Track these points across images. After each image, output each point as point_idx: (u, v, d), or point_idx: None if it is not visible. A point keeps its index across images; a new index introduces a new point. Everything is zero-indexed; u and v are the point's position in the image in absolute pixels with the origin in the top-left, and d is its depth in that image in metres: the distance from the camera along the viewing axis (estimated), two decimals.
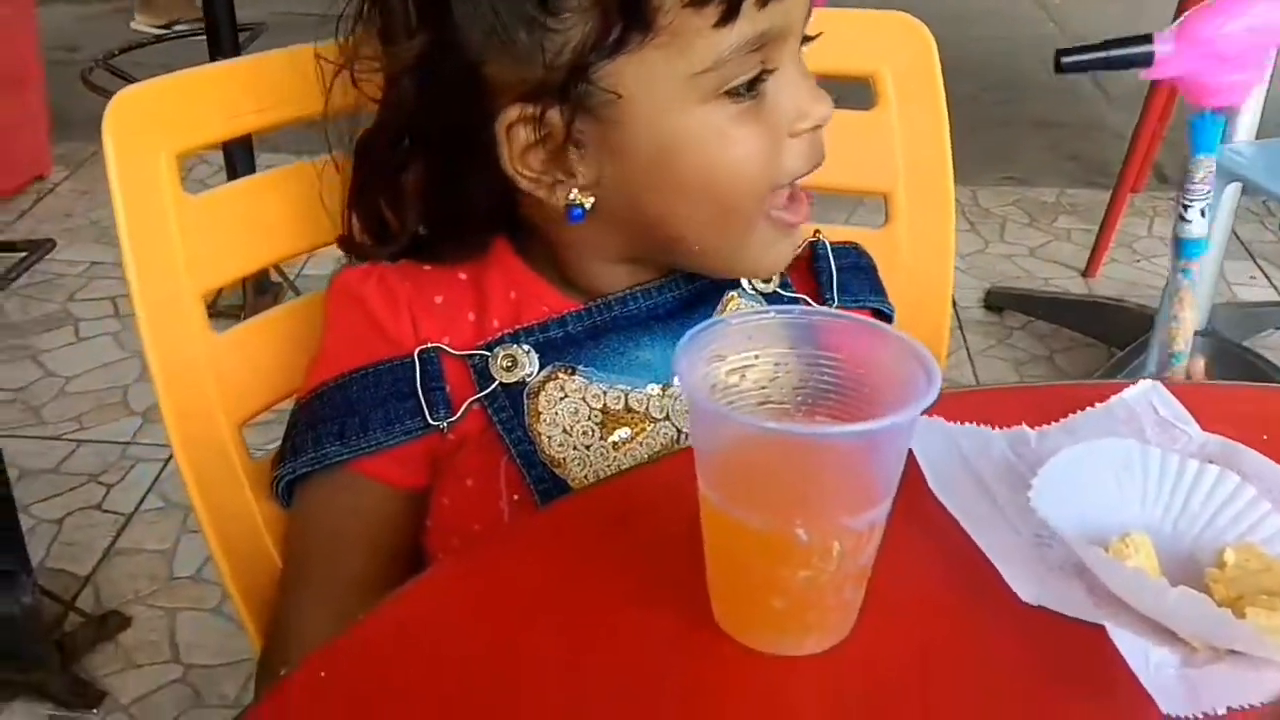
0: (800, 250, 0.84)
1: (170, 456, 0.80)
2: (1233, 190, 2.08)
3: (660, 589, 0.58)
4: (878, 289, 0.88)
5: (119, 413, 2.13)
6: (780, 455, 0.51)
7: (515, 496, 0.75)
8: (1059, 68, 0.70)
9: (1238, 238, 2.72)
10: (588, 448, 0.74)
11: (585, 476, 0.74)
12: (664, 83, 0.67)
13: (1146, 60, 0.67)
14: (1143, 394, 0.69)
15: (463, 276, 0.78)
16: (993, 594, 0.57)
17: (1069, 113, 3.50)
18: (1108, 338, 2.35)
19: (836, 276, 0.83)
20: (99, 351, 2.30)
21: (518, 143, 0.70)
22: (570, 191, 0.72)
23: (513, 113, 0.69)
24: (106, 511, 1.92)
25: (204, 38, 2.35)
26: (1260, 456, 0.64)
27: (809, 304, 0.83)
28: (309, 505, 0.77)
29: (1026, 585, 0.56)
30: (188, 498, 0.79)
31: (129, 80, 2.48)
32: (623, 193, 0.72)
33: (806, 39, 0.74)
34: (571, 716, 0.52)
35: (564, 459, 0.74)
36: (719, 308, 0.80)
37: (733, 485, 0.52)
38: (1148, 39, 0.68)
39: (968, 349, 2.38)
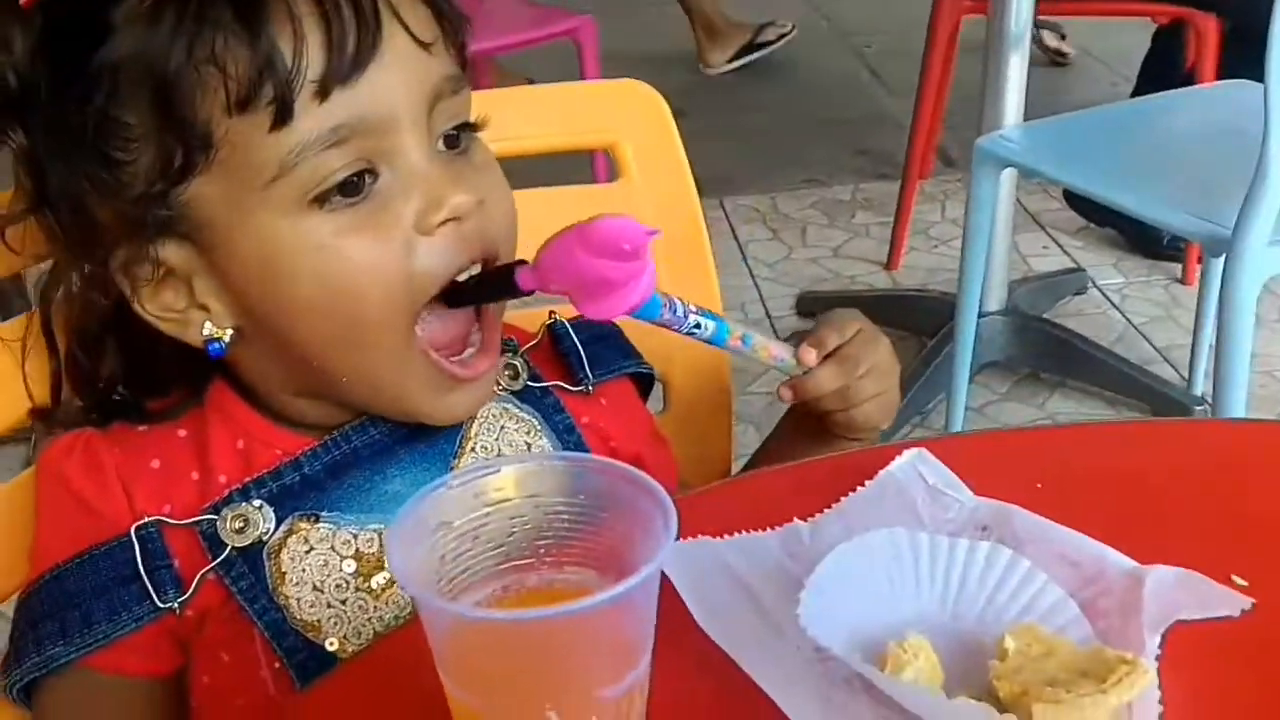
0: (539, 338, 0.80)
1: None
2: (1010, 172, 2.13)
3: None
4: (629, 353, 0.84)
5: None
6: (519, 639, 0.47)
7: (275, 665, 0.69)
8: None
9: (1026, 210, 2.80)
10: (343, 602, 0.69)
11: (345, 635, 0.69)
12: (244, 198, 0.64)
13: (513, 290, 0.66)
14: (909, 464, 0.66)
15: (182, 433, 0.72)
16: None
17: (852, 107, 3.56)
18: (916, 329, 2.38)
19: (584, 353, 0.80)
20: None
21: (141, 283, 0.67)
22: (203, 325, 0.68)
23: (122, 252, 0.66)
24: None
25: None
26: (1033, 517, 0.62)
27: (565, 389, 0.79)
28: (50, 710, 0.70)
29: (808, 713, 0.52)
30: None
31: None
32: (255, 320, 0.68)
33: (470, 126, 0.69)
34: None
35: (318, 621, 0.68)
36: (468, 421, 0.74)
37: (472, 678, 0.47)
38: (510, 270, 0.67)
39: None
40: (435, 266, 0.66)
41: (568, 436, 0.77)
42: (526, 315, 0.83)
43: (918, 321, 2.38)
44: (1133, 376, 2.19)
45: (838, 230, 2.87)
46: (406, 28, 0.64)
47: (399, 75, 0.64)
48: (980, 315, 2.15)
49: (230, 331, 0.68)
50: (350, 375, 0.68)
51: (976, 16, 2.42)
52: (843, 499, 0.65)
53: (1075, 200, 2.72)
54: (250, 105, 0.61)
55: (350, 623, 0.69)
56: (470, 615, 0.47)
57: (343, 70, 0.62)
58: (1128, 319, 2.44)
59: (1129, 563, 0.59)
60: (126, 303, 0.67)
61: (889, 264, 2.68)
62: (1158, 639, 0.54)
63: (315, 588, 0.68)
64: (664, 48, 3.76)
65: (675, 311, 0.69)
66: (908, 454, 0.66)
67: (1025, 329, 2.26)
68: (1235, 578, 0.59)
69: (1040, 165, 1.97)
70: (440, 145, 0.67)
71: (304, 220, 0.64)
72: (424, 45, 0.65)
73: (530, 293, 0.66)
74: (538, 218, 0.69)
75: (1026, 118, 2.17)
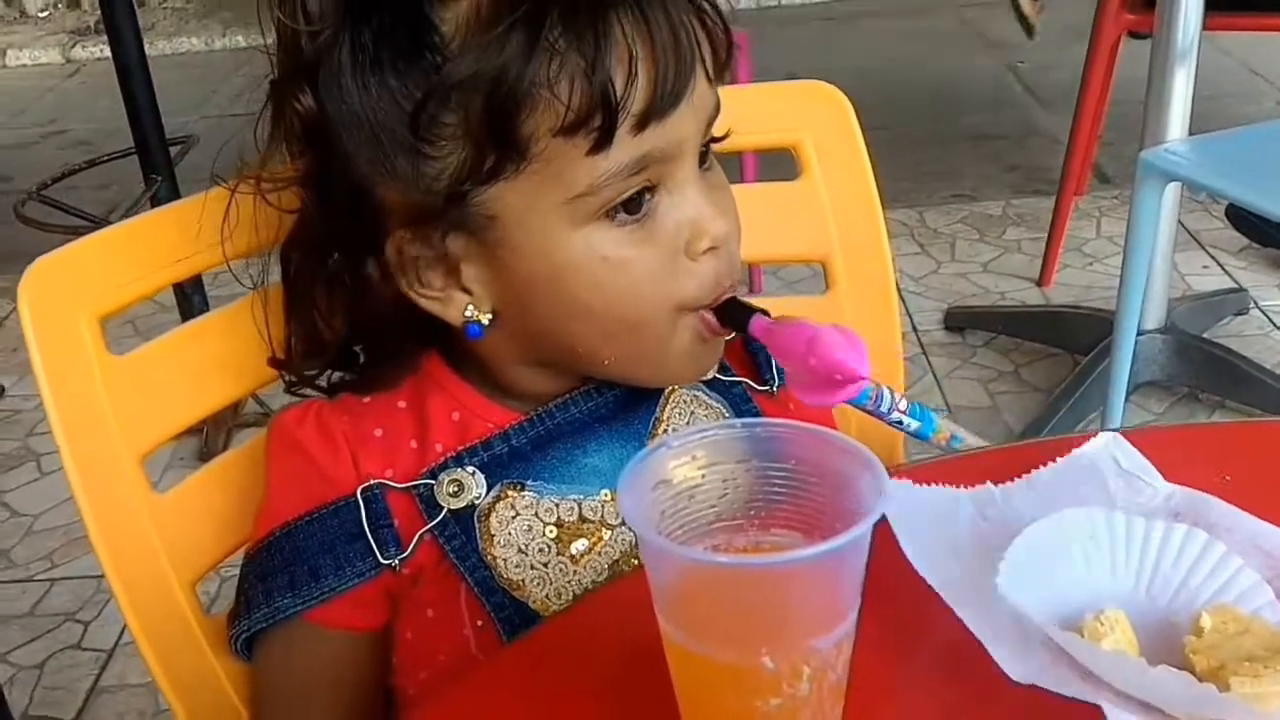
0: (734, 334, 0.83)
1: None
2: (1174, 187, 2.09)
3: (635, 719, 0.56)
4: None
5: (89, 546, 2.09)
6: (740, 586, 0.50)
7: (479, 623, 0.73)
8: None
9: (1186, 229, 2.74)
10: (545, 565, 0.73)
11: (546, 596, 0.73)
12: (541, 207, 0.67)
13: (743, 330, 0.72)
14: (1103, 447, 0.68)
15: (402, 405, 0.77)
16: (982, 675, 0.55)
17: (1004, 123, 3.53)
18: (1069, 346, 2.35)
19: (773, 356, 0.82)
20: (63, 486, 2.24)
21: (411, 262, 0.70)
22: (466, 308, 0.71)
23: (402, 234, 0.70)
24: (87, 649, 1.88)
25: (135, 156, 2.34)
26: (1226, 505, 0.63)
27: (752, 387, 0.82)
28: (269, 662, 0.75)
29: (1015, 663, 0.54)
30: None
31: (63, 209, 2.45)
32: (520, 310, 0.71)
33: (714, 139, 0.73)
34: None
35: (523, 581, 0.72)
36: (660, 402, 0.78)
37: (692, 620, 0.51)
38: (748, 315, 0.72)
39: (934, 373, 2.38)
40: (696, 291, 0.71)
41: None
42: None
43: (1072, 339, 2.35)
44: None
45: (988, 245, 2.85)
46: (704, 64, 0.68)
47: (694, 110, 0.68)
48: (1138, 333, 2.11)
49: (490, 315, 0.72)
50: (611, 358, 0.72)
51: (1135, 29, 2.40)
52: (1034, 471, 0.66)
53: (1238, 219, 2.65)
54: (577, 131, 0.65)
55: (552, 584, 0.73)
56: (697, 558, 0.51)
57: (660, 108, 0.66)
58: None
59: None
60: (368, 277, 0.71)
61: (1041, 280, 2.65)
62: None
63: (520, 550, 0.73)
64: (813, 62, 3.78)
65: (881, 405, 0.72)
66: (1102, 437, 0.68)
67: (1184, 348, 2.22)
68: None
69: (1207, 179, 1.93)
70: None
71: (593, 232, 0.68)
72: (710, 79, 0.69)
73: (753, 340, 0.72)
74: None
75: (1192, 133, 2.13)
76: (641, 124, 0.66)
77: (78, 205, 2.62)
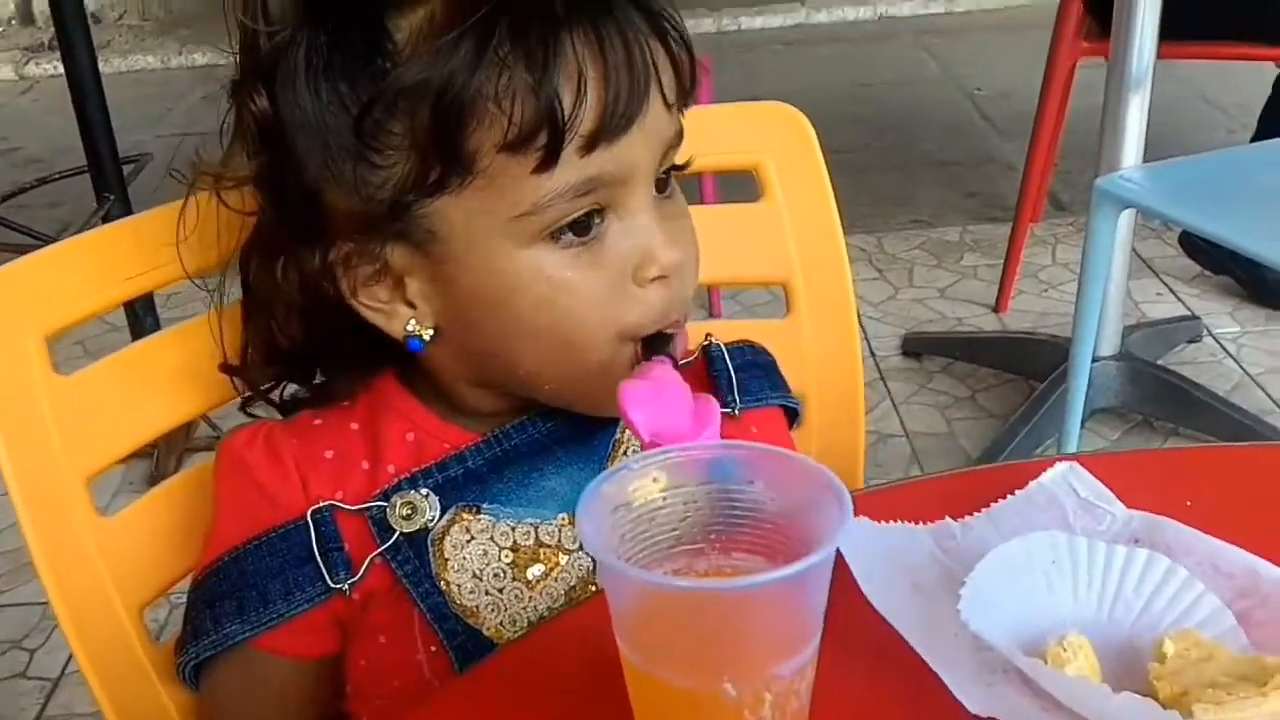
0: (694, 357, 0.82)
1: None
2: (1128, 214, 2.11)
3: None
4: (778, 385, 0.86)
5: (33, 572, 2.04)
6: (700, 611, 0.49)
7: (432, 649, 0.72)
8: None
9: (1140, 257, 2.78)
10: (500, 590, 0.72)
11: (500, 623, 0.71)
12: (486, 224, 0.66)
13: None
14: (1061, 476, 0.68)
15: (354, 426, 0.75)
16: (943, 707, 0.54)
17: (961, 149, 3.57)
18: (1025, 371, 2.36)
19: (735, 378, 0.81)
20: (6, 512, 2.21)
21: (355, 271, 0.70)
22: (408, 322, 0.71)
23: (346, 243, 0.69)
24: (31, 678, 1.83)
25: (87, 174, 2.31)
26: (1186, 529, 0.63)
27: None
28: (217, 690, 0.74)
29: (973, 695, 0.54)
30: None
31: (13, 229, 2.42)
32: (462, 327, 0.71)
33: (676, 167, 0.72)
34: None
35: (476, 607, 0.71)
36: (621, 424, 0.77)
37: (652, 646, 0.50)
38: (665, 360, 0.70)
39: (891, 399, 2.39)
40: (641, 319, 0.69)
41: None
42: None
43: (1027, 365, 2.37)
44: (1248, 426, 2.14)
45: (945, 271, 2.86)
46: (662, 91, 0.67)
47: (647, 135, 0.67)
48: (1093, 360, 2.13)
49: (432, 330, 0.71)
50: (552, 384, 0.71)
51: (1090, 59, 2.43)
52: (993, 504, 0.66)
53: (1191, 247, 2.68)
54: (523, 148, 0.64)
55: (506, 610, 0.71)
56: (656, 582, 0.50)
57: (610, 130, 0.65)
58: (1244, 369, 2.40)
59: None
60: (320, 284, 0.70)
61: (998, 307, 2.67)
62: None
63: (475, 575, 0.71)
64: (771, 89, 3.80)
65: None
66: (1060, 466, 0.68)
67: (1139, 375, 2.24)
68: None
69: (1161, 206, 1.94)
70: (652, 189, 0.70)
71: (538, 252, 0.67)
72: (669, 105, 0.68)
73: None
74: None
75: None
76: (589, 146, 0.65)
77: (28, 224, 2.58)
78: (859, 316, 2.66)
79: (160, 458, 2.15)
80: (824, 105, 3.69)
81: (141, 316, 2.14)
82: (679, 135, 0.71)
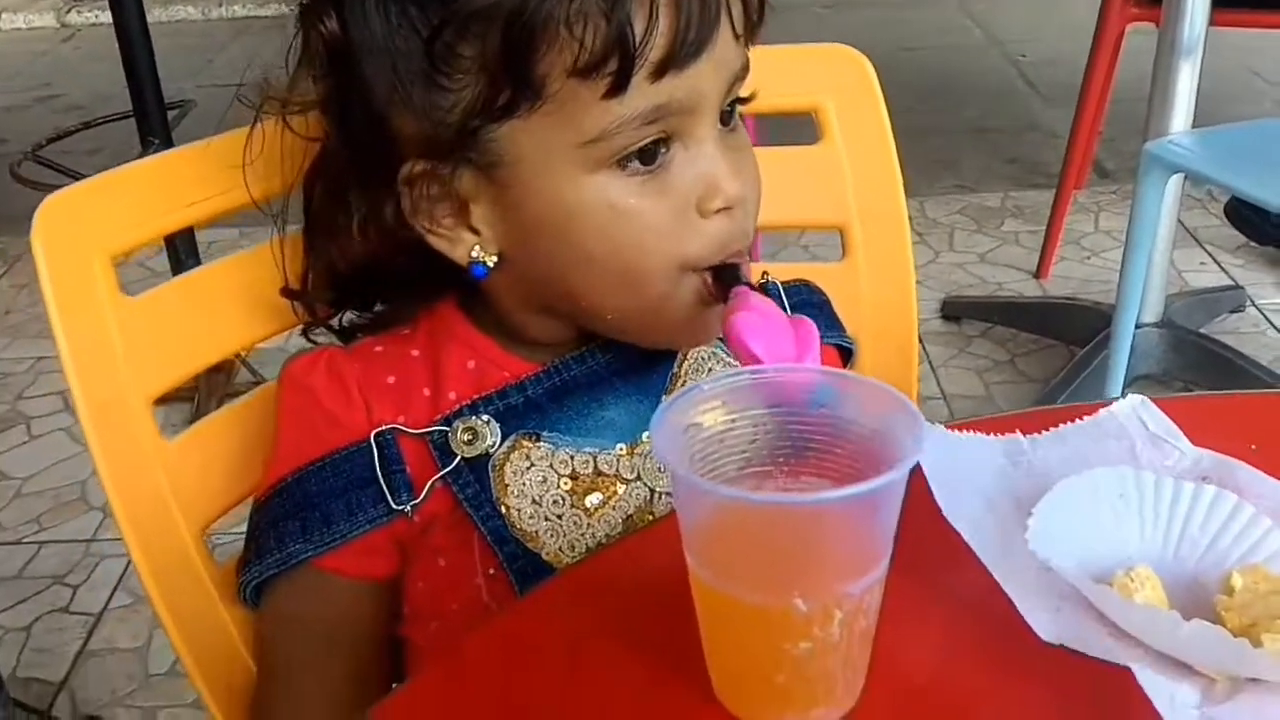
0: None
1: None
2: (1175, 181, 2.09)
3: (656, 670, 0.56)
4: (834, 324, 0.86)
5: (78, 510, 2.07)
6: (773, 526, 0.49)
7: (490, 572, 0.73)
8: None
9: (1184, 226, 2.75)
10: (559, 517, 0.72)
11: (559, 548, 0.72)
12: (554, 149, 0.66)
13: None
14: (1131, 408, 0.67)
15: (415, 353, 0.76)
16: (1010, 634, 0.54)
17: (1004, 116, 3.53)
18: (1066, 337, 2.35)
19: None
20: (52, 449, 2.24)
21: (421, 196, 0.70)
22: (473, 248, 0.71)
23: (412, 166, 0.69)
24: (75, 613, 1.86)
25: (133, 119, 2.32)
26: (1254, 470, 0.63)
27: None
28: (279, 609, 0.75)
29: (1045, 623, 0.54)
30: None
31: (59, 170, 2.44)
32: (526, 254, 0.71)
33: (740, 100, 0.72)
34: None
35: (536, 531, 0.72)
36: (679, 358, 0.78)
37: (724, 561, 0.50)
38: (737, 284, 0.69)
39: (930, 362, 2.38)
40: (703, 250, 0.69)
41: None
42: None
43: (1069, 330, 2.36)
44: None
45: (986, 237, 2.85)
46: (731, 21, 0.67)
47: (716, 65, 0.67)
48: (1136, 326, 2.11)
49: (496, 257, 0.71)
50: (615, 313, 0.71)
51: (1139, 24, 2.40)
52: (1063, 425, 0.66)
53: (1236, 216, 2.65)
54: (593, 73, 0.63)
55: (565, 536, 0.72)
56: (733, 495, 0.50)
57: (680, 58, 0.64)
58: None
59: None
60: (384, 209, 0.70)
61: (1039, 273, 2.65)
62: None
63: (534, 501, 0.72)
64: None
65: None
66: (1131, 398, 0.67)
67: (1181, 343, 2.22)
68: None
69: (1210, 171, 1.92)
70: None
71: (604, 179, 0.67)
72: (737, 35, 0.68)
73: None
74: None
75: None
76: (659, 72, 0.65)
77: (73, 168, 2.60)
78: None
79: (201, 401, 2.17)
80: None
81: (184, 259, 2.16)
82: (746, 67, 0.70)
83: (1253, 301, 2.50)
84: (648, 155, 0.67)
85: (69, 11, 5.18)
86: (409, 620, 0.76)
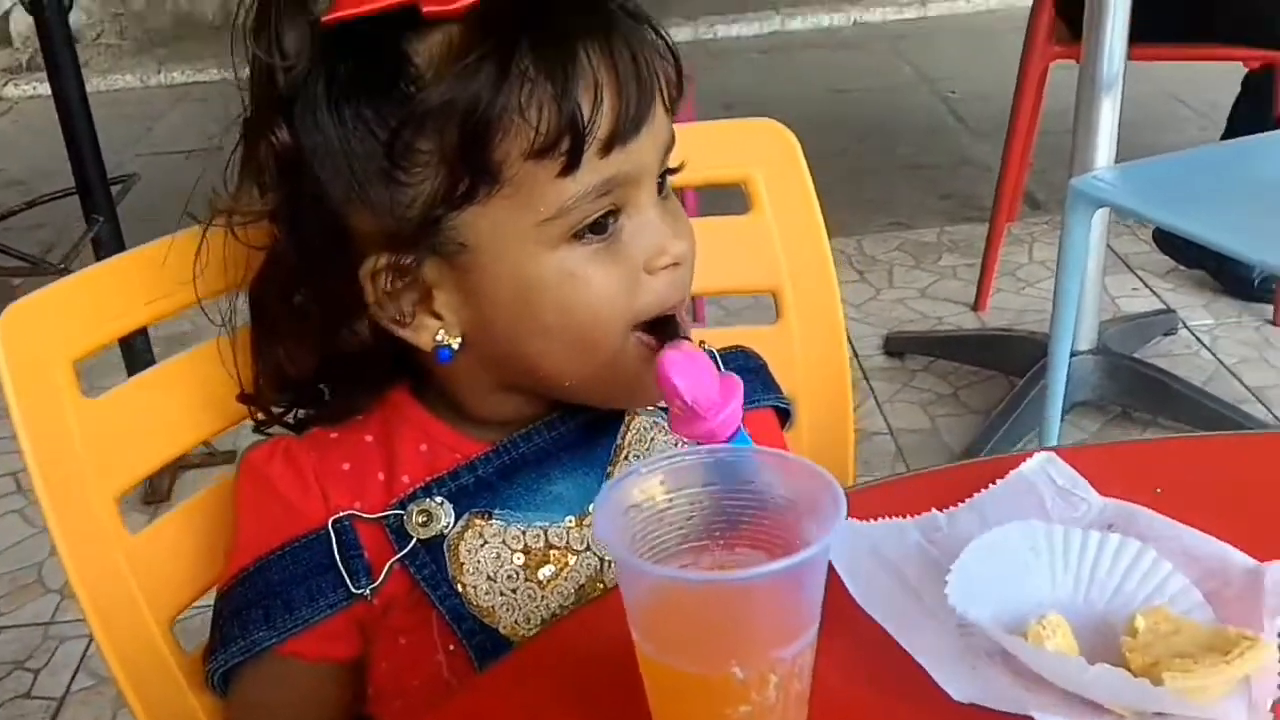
0: None
1: None
2: (1102, 213, 2.16)
3: None
4: (771, 387, 0.91)
5: (35, 593, 2.07)
6: (708, 602, 0.53)
7: (450, 648, 0.76)
8: None
9: (1115, 253, 2.83)
10: (514, 591, 0.75)
11: (515, 621, 0.75)
12: (514, 230, 0.70)
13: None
14: (1039, 466, 0.72)
15: (369, 439, 0.79)
16: (926, 696, 0.59)
17: (937, 152, 3.62)
18: (1005, 367, 2.41)
19: None
20: (7, 532, 2.24)
21: (383, 288, 0.73)
22: (436, 333, 0.74)
23: (374, 261, 0.72)
24: (37, 698, 1.86)
25: (74, 195, 2.33)
26: (1155, 515, 0.67)
27: None
28: (246, 696, 0.77)
29: (957, 684, 0.58)
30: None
31: (3, 250, 2.41)
32: (488, 333, 0.74)
33: (670, 170, 0.77)
34: None
35: (492, 607, 0.75)
36: (621, 430, 0.81)
37: (665, 635, 0.54)
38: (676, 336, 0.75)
39: (875, 398, 2.43)
40: (652, 303, 0.74)
41: None
42: None
43: (1007, 361, 2.42)
44: (1225, 415, 2.19)
45: (924, 272, 2.92)
46: (662, 95, 0.72)
47: (654, 136, 0.72)
48: (1071, 354, 2.18)
49: (460, 339, 0.74)
50: (572, 379, 0.75)
51: (1062, 61, 2.48)
52: (976, 494, 0.70)
53: (1164, 243, 2.74)
54: (548, 154, 0.68)
55: (520, 609, 0.75)
56: (670, 575, 0.54)
57: (624, 133, 0.70)
58: (1219, 359, 2.45)
59: (1250, 560, 0.64)
60: (343, 306, 0.73)
61: (976, 305, 2.72)
62: (1277, 622, 0.59)
63: (489, 577, 0.75)
64: (749, 95, 3.86)
65: None
66: (1038, 457, 0.72)
67: (1116, 368, 2.29)
68: None
69: (1134, 205, 1.99)
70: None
71: (563, 253, 0.71)
72: (667, 109, 0.73)
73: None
74: None
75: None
76: (607, 148, 0.69)
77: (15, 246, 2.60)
78: (842, 319, 2.73)
79: (154, 476, 2.18)
80: (801, 111, 3.74)
81: (137, 350, 2.16)
82: (674, 138, 0.76)
83: (1184, 324, 2.58)
84: (599, 226, 0.72)
85: (6, 84, 5.17)
86: (374, 699, 0.79)
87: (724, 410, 0.69)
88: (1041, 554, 0.64)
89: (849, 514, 0.68)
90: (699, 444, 0.70)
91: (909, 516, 0.70)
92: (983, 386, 2.44)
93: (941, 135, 3.77)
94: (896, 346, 2.59)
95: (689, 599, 0.54)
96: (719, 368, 0.86)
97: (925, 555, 0.66)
